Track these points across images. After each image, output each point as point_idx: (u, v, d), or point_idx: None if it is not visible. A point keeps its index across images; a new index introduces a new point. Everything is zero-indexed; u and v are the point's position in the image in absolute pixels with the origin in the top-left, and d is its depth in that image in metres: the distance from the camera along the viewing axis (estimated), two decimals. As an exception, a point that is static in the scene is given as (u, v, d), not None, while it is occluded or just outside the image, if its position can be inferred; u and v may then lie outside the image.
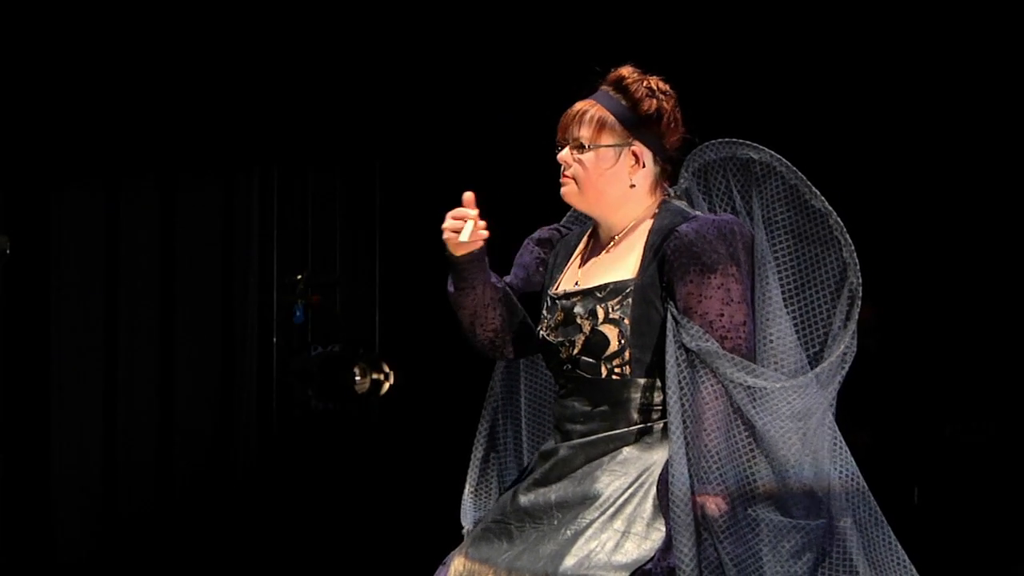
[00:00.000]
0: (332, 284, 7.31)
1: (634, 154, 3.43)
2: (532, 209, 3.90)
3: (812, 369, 3.29)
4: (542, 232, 3.66)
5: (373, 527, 7.13)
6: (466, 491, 3.70)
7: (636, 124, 3.42)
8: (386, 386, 7.04)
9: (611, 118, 3.42)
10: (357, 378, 6.97)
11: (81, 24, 6.62)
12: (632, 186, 3.43)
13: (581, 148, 3.44)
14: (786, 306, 3.32)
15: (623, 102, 3.43)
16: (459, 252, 3.43)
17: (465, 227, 3.39)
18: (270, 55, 6.87)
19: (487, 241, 3.44)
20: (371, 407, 7.17)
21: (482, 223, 3.41)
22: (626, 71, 3.46)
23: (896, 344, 6.59)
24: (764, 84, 6.31)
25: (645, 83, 3.44)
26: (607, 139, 3.42)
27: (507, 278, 3.62)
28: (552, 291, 3.51)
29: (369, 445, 7.24)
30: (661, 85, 3.45)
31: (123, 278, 7.01)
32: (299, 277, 7.15)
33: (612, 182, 3.43)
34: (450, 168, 6.94)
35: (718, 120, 3.56)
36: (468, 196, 3.41)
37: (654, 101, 3.42)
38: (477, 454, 3.71)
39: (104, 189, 7.01)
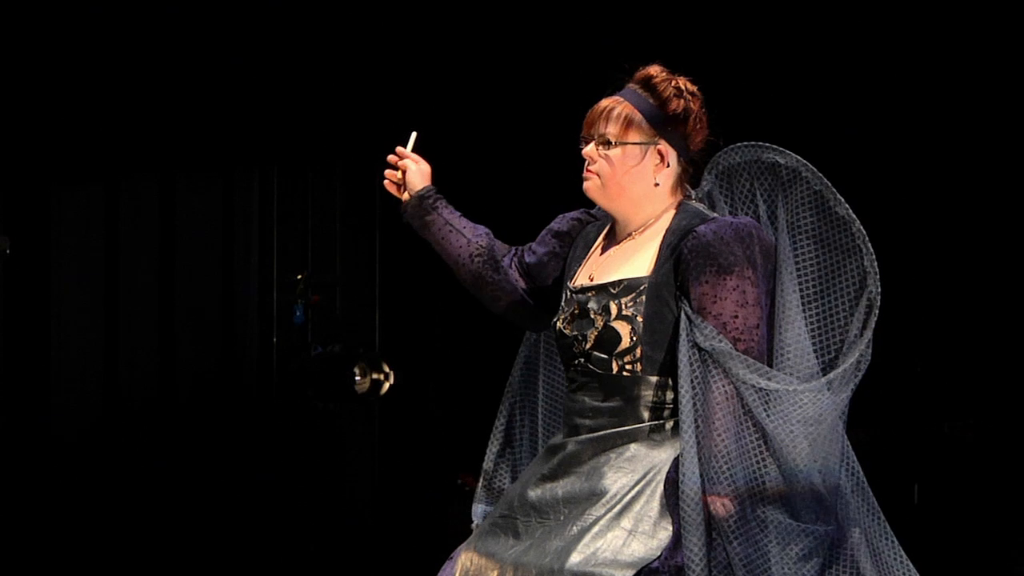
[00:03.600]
0: (332, 284, 7.31)
1: (660, 153, 3.43)
2: (531, 209, 3.90)
3: (825, 375, 3.28)
4: (561, 224, 3.66)
5: (374, 527, 7.13)
6: (479, 485, 3.69)
7: (663, 123, 3.42)
8: (386, 386, 7.03)
9: (639, 116, 3.43)
10: (357, 378, 6.96)
11: (81, 24, 6.61)
12: (656, 184, 3.43)
13: (607, 144, 3.44)
14: (805, 312, 3.31)
15: (651, 100, 3.43)
16: (403, 198, 3.71)
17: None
18: (270, 55, 6.86)
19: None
20: (371, 407, 7.16)
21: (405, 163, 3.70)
22: (654, 70, 3.47)
23: (896, 341, 6.58)
24: (784, 88, 6.31)
25: (673, 83, 3.44)
26: (634, 136, 3.43)
27: (527, 258, 3.65)
28: (570, 284, 3.51)
29: (369, 445, 7.23)
30: (689, 86, 3.46)
31: (123, 278, 7.01)
32: (299, 277, 7.14)
33: (636, 180, 3.44)
34: (450, 168, 6.93)
35: (742, 123, 3.55)
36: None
37: (682, 101, 3.43)
38: (493, 448, 3.70)
39: (104, 189, 7.01)
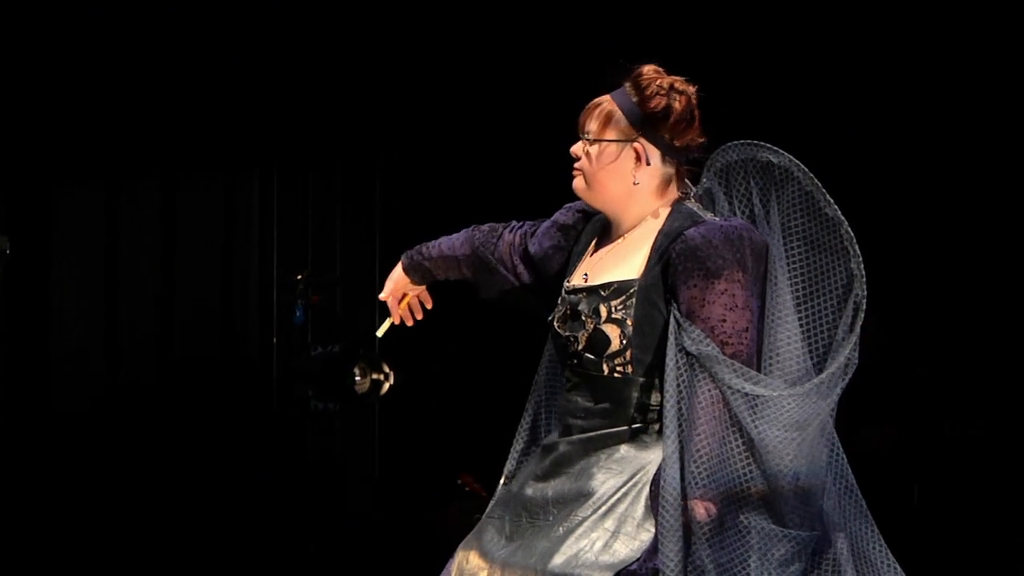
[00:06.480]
0: (332, 284, 7.31)
1: (635, 151, 3.41)
2: (531, 209, 3.90)
3: (815, 378, 3.25)
4: (567, 216, 3.65)
5: (374, 527, 7.13)
6: (501, 482, 3.66)
7: (641, 121, 3.39)
8: (386, 386, 7.03)
9: (618, 113, 3.41)
10: (357, 378, 6.96)
11: (81, 23, 6.62)
12: (636, 184, 3.41)
13: (589, 141, 3.44)
14: (798, 313, 3.28)
15: (633, 98, 3.41)
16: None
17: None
18: (270, 55, 6.86)
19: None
20: (371, 407, 7.16)
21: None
22: (646, 68, 3.43)
23: (896, 342, 6.58)
24: (784, 88, 6.31)
25: (659, 81, 3.41)
26: (611, 134, 3.41)
27: (531, 248, 3.66)
28: (566, 283, 3.51)
29: (369, 445, 7.23)
30: (678, 84, 3.42)
31: (123, 278, 7.01)
32: (299, 277, 7.14)
33: (614, 178, 3.42)
34: (450, 167, 6.94)
35: (742, 122, 3.53)
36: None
37: (664, 99, 3.39)
38: (517, 446, 3.66)
39: (104, 189, 7.01)
